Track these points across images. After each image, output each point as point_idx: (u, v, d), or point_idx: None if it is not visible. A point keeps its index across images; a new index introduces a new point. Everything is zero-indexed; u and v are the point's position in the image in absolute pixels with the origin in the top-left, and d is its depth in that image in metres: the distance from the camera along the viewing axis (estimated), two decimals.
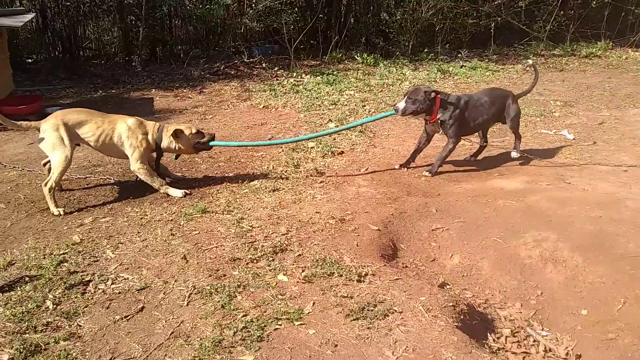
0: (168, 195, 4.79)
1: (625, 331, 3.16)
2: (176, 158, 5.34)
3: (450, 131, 5.23)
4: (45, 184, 4.48)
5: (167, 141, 4.83)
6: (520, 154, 5.54)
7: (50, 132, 4.47)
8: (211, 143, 5.00)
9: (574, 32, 12.86)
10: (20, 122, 4.61)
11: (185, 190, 4.83)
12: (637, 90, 8.96)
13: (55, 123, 4.50)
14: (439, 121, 5.19)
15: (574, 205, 4.42)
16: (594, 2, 12.61)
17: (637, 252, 3.71)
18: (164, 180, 4.90)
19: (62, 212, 4.43)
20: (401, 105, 5.06)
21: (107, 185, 5.07)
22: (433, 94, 5.07)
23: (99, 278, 3.45)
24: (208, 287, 3.32)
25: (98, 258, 3.72)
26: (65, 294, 3.27)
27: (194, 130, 4.91)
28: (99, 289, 3.36)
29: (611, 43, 12.95)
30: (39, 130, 4.55)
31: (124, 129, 4.69)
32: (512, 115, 5.45)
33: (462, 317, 3.23)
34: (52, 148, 4.47)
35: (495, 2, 11.91)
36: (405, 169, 5.51)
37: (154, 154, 4.93)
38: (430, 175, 5.30)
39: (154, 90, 9.30)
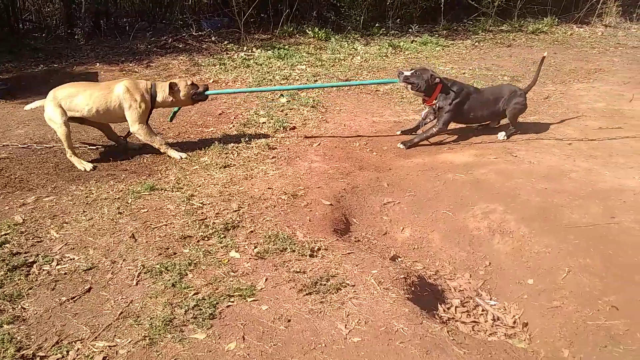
0: (169, 156, 4.98)
1: (569, 299, 3.28)
2: (171, 120, 5.48)
3: (442, 118, 5.36)
4: (66, 153, 4.81)
5: (162, 95, 4.94)
6: (506, 138, 5.62)
7: (48, 107, 4.74)
8: (207, 92, 5.14)
9: (521, 8, 13.04)
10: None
11: (183, 154, 5.01)
12: (581, 66, 9.23)
13: (50, 99, 4.75)
14: (436, 106, 5.36)
15: (521, 178, 4.54)
16: None
17: (581, 223, 3.85)
18: (163, 140, 5.03)
19: (88, 167, 4.74)
20: (406, 73, 5.24)
21: (50, 164, 4.87)
22: (437, 80, 5.21)
23: (43, 259, 3.34)
24: (158, 266, 3.26)
25: (42, 238, 3.59)
26: (7, 276, 3.15)
27: (189, 82, 5.02)
28: (43, 270, 3.25)
29: (557, 19, 13.23)
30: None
31: (121, 91, 4.78)
32: (511, 107, 5.54)
33: (413, 289, 3.28)
34: (49, 121, 4.75)
35: None
36: (400, 132, 5.79)
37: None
38: (404, 147, 5.39)
39: (98, 64, 8.95)
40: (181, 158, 4.95)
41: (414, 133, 5.68)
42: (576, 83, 8.09)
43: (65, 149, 4.78)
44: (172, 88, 4.93)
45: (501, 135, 5.62)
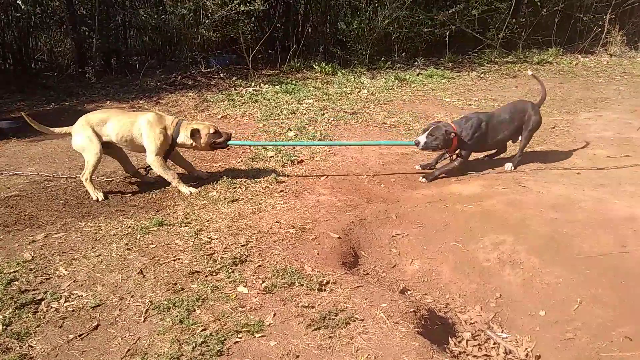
0: (179, 190, 5.05)
1: (582, 330, 3.23)
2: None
3: (463, 152, 5.40)
4: (82, 176, 4.94)
5: (183, 137, 5.05)
6: (513, 169, 5.60)
7: (79, 134, 4.92)
8: (229, 142, 5.25)
9: (526, 39, 13.20)
10: (53, 128, 5.07)
11: (193, 189, 5.06)
12: (588, 95, 9.25)
13: (82, 125, 4.93)
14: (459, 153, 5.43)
15: (530, 208, 4.51)
16: (545, 10, 12.99)
17: (592, 253, 3.81)
18: (176, 174, 5.11)
19: (100, 197, 4.90)
20: (422, 139, 5.21)
21: (60, 200, 4.91)
22: (453, 134, 5.20)
23: (51, 296, 3.34)
24: (166, 302, 3.24)
25: (50, 275, 3.59)
26: (15, 314, 3.15)
27: (211, 131, 5.12)
28: (51, 307, 3.24)
29: (562, 49, 13.35)
30: (70, 135, 4.98)
31: (144, 122, 4.95)
32: (529, 127, 5.54)
33: (423, 322, 3.24)
34: (82, 148, 4.92)
35: (450, 11, 12.13)
36: (421, 168, 5.76)
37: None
38: (425, 181, 5.38)
39: (108, 101, 9.10)
40: (190, 193, 4.99)
41: (433, 167, 5.68)
42: (583, 112, 8.10)
43: (86, 174, 4.90)
44: (194, 134, 5.03)
45: (508, 166, 5.61)
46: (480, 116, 5.40)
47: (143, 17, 11.28)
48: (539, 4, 12.56)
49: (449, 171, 5.46)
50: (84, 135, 4.89)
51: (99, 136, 4.93)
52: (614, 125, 7.27)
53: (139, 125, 4.96)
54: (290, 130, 7.15)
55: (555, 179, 5.26)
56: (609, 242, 3.93)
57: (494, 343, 3.40)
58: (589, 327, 3.22)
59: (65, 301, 3.30)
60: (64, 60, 11.86)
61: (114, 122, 4.96)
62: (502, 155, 5.92)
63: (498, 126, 5.44)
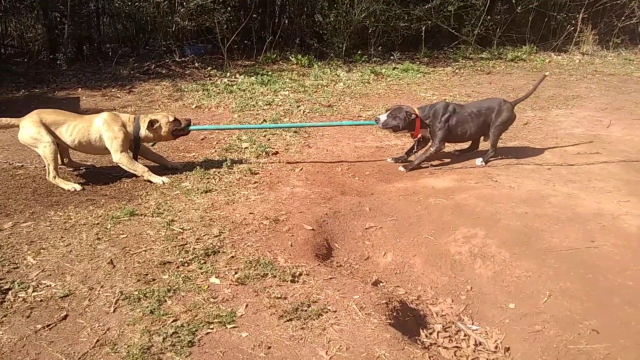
0: (150, 182, 4.95)
1: (550, 323, 3.28)
2: (153, 145, 5.40)
3: (437, 137, 5.44)
4: (48, 176, 4.79)
5: (144, 131, 5.00)
6: (484, 164, 5.65)
7: (31, 128, 4.69)
8: (189, 128, 5.25)
9: (501, 36, 13.34)
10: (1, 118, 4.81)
11: (165, 179, 4.98)
12: (560, 92, 9.40)
13: (34, 119, 4.72)
14: (425, 136, 5.50)
15: (501, 203, 4.57)
16: (519, 8, 13.13)
17: (561, 247, 3.87)
18: (145, 167, 5.01)
19: (77, 187, 4.79)
20: (382, 117, 5.33)
21: (28, 189, 4.81)
22: (413, 116, 5.28)
23: (19, 286, 3.26)
24: (136, 293, 3.20)
25: (18, 265, 3.52)
26: None
27: (170, 119, 5.10)
28: (19, 297, 3.17)
29: (535, 47, 13.52)
30: (18, 127, 4.76)
31: (100, 123, 4.87)
32: (496, 123, 5.55)
33: (395, 314, 3.26)
34: (35, 142, 4.70)
35: (426, 6, 12.18)
36: (394, 161, 5.78)
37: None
38: (405, 170, 5.47)
39: (80, 89, 8.93)
40: (163, 183, 4.93)
41: (405, 160, 5.71)
42: (555, 109, 8.23)
43: (51, 173, 4.77)
44: (152, 125, 5.00)
45: (479, 161, 5.66)
46: (447, 104, 5.48)
47: (117, 4, 11.09)
48: (514, 1, 12.69)
49: (427, 158, 5.54)
50: (33, 129, 4.69)
51: (51, 130, 4.78)
52: (585, 122, 7.40)
53: (96, 128, 4.87)
54: (266, 121, 7.11)
55: (527, 174, 5.33)
56: (577, 236, 4.00)
57: (465, 335, 3.44)
58: (557, 320, 3.28)
59: (33, 291, 3.23)
60: (34, 46, 11.56)
61: (69, 126, 4.82)
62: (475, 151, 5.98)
63: (466, 118, 5.48)
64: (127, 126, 4.97)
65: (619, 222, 4.20)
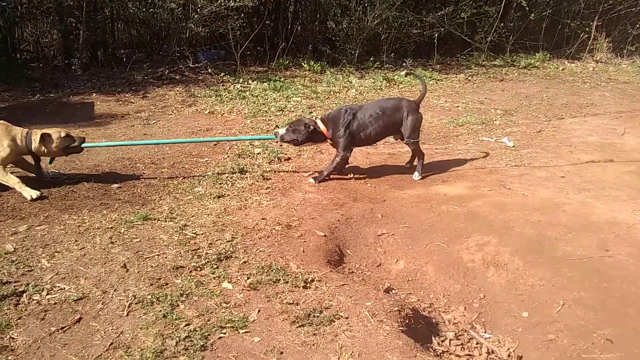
0: (21, 194, 4.70)
1: (564, 332, 3.26)
2: (50, 162, 5.27)
3: (340, 145, 5.24)
4: None
5: (34, 145, 4.85)
6: (422, 177, 5.48)
7: None
8: (83, 145, 5.12)
9: (514, 43, 13.30)
10: None
11: (40, 193, 4.73)
12: (573, 100, 9.35)
13: None
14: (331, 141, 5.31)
15: (514, 210, 4.55)
16: (533, 15, 13.08)
17: (575, 256, 3.84)
18: (18, 179, 4.78)
19: (34, 195, 4.65)
20: (281, 131, 5.25)
21: (42, 192, 4.85)
22: (312, 127, 5.15)
23: (33, 288, 3.29)
24: (149, 297, 3.22)
25: (33, 268, 3.55)
26: None
27: (62, 134, 4.96)
28: (33, 299, 3.20)
29: (549, 54, 13.46)
30: None
31: None
32: (408, 126, 5.30)
33: (407, 321, 3.25)
34: None
35: (439, 13, 12.17)
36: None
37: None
38: (314, 182, 5.27)
39: (94, 94, 9.01)
40: (31, 197, 4.67)
41: (411, 165, 5.69)
42: (568, 117, 8.18)
43: None
44: (44, 139, 4.86)
45: (416, 175, 5.46)
46: (346, 109, 5.25)
47: (131, 10, 11.17)
48: (527, 8, 12.64)
49: (335, 168, 5.30)
50: None
51: None
52: (599, 130, 7.35)
53: None
54: (278, 127, 7.13)
55: (540, 182, 5.30)
56: (591, 245, 3.97)
57: (477, 343, 3.43)
58: (571, 329, 3.25)
59: (48, 294, 3.26)
60: (50, 52, 11.71)
61: None
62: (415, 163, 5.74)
63: (369, 121, 5.21)
64: (17, 140, 4.81)
65: (634, 231, 4.16)
